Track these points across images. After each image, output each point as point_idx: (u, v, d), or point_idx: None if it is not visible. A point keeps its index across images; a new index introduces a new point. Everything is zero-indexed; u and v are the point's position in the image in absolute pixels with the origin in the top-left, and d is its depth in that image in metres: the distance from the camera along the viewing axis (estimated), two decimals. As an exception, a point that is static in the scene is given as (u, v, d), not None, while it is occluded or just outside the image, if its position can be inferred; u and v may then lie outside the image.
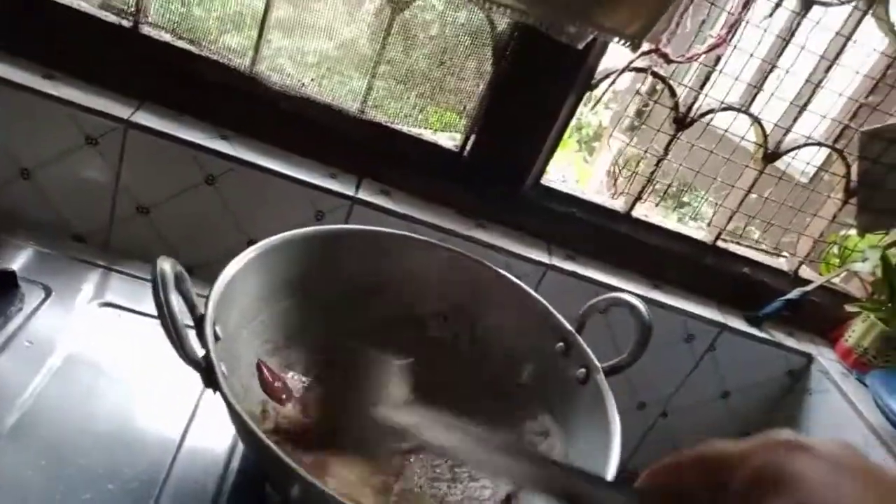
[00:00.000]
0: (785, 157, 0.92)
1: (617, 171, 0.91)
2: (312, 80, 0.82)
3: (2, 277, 0.65)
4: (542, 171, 0.90)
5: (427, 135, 0.87)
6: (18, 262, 0.72)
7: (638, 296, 0.87)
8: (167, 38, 0.80)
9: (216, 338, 0.51)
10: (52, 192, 0.80)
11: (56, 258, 0.75)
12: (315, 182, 0.81)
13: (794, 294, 0.93)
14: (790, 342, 0.95)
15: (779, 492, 0.28)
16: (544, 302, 0.69)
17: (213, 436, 0.62)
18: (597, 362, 0.64)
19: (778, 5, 0.83)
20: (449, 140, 0.88)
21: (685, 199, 1.02)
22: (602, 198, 0.94)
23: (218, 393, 0.49)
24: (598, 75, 0.85)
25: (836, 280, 0.98)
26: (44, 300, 0.67)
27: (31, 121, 0.75)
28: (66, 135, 0.76)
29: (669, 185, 0.96)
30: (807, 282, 0.96)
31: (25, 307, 0.65)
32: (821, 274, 1.00)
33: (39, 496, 0.50)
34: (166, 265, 0.48)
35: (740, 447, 0.31)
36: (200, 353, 0.49)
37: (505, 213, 0.89)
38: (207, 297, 0.52)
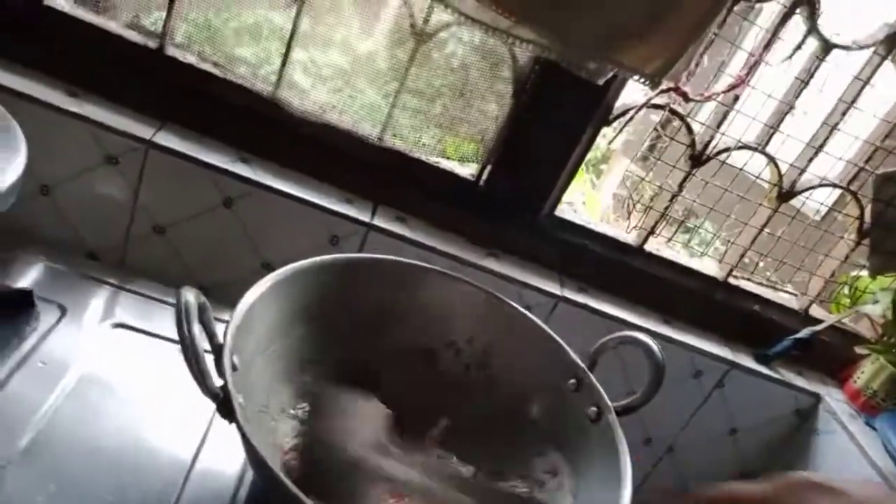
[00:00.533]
0: (799, 197, 0.93)
1: (631, 204, 0.92)
2: (333, 106, 0.83)
3: (19, 296, 0.65)
4: (556, 203, 0.90)
5: (444, 163, 0.88)
6: (31, 278, 0.72)
7: (648, 331, 0.88)
8: (192, 59, 0.80)
9: (234, 368, 0.51)
10: (70, 210, 0.80)
11: (70, 276, 0.75)
12: (331, 207, 0.81)
13: (804, 333, 0.93)
14: (799, 381, 0.94)
15: None
16: (557, 338, 0.69)
17: (222, 461, 0.62)
18: (609, 402, 0.63)
19: (798, 48, 0.84)
20: (465, 169, 0.89)
21: (689, 225, 1.02)
22: (615, 231, 0.94)
23: (233, 424, 0.49)
24: (616, 109, 0.85)
25: (846, 320, 0.98)
26: (59, 320, 0.68)
27: (53, 138, 0.76)
28: (86, 153, 0.77)
29: (683, 222, 0.96)
30: (817, 321, 0.96)
31: (40, 326, 0.65)
32: (831, 314, 1.00)
33: (50, 523, 0.50)
34: (190, 296, 0.48)
35: (762, 489, 0.31)
36: (218, 382, 0.49)
37: (518, 244, 0.90)
38: (226, 327, 0.52)
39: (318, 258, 0.65)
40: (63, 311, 0.69)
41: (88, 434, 0.59)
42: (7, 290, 0.66)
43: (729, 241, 0.96)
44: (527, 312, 0.71)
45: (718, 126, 0.87)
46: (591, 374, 0.67)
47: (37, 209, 0.79)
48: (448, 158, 0.88)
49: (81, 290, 0.74)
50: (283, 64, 0.80)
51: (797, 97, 0.87)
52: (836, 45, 0.84)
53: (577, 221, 0.91)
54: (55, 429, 0.58)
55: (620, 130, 0.86)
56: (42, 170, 0.78)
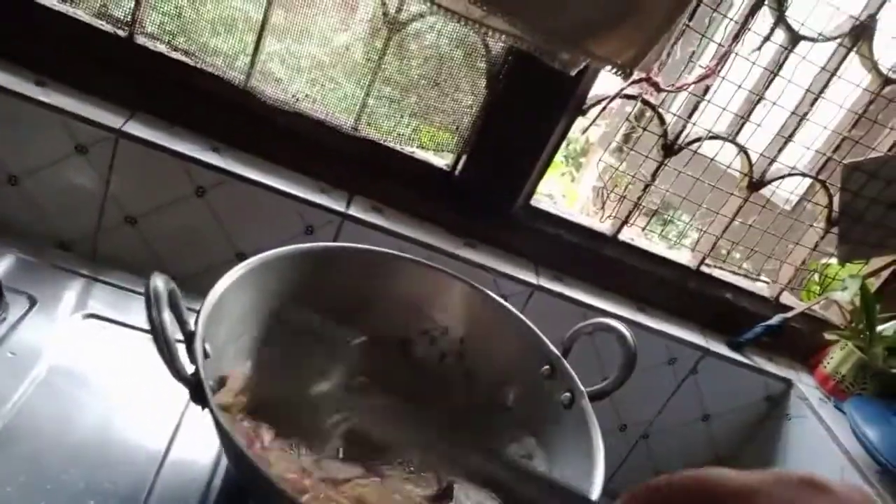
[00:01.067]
0: (769, 186, 0.94)
1: (605, 194, 0.93)
2: (307, 95, 0.83)
3: (-13, 287, 0.64)
4: (531, 192, 0.91)
5: (419, 153, 0.88)
6: (1, 269, 0.71)
7: (623, 318, 0.89)
8: (162, 48, 0.80)
9: (206, 355, 0.51)
10: (40, 200, 0.79)
11: (40, 266, 0.74)
12: (306, 197, 0.81)
13: (775, 320, 0.95)
14: (770, 367, 0.96)
15: None
16: (531, 325, 0.70)
17: (196, 450, 0.62)
18: (582, 387, 0.64)
19: (766, 39, 0.85)
20: (440, 159, 0.89)
21: (666, 216, 1.03)
22: (590, 220, 0.95)
23: (206, 409, 0.49)
24: (589, 100, 0.86)
25: (816, 307, 1.00)
26: (28, 310, 0.67)
27: (21, 127, 0.74)
28: (56, 142, 0.76)
29: (656, 212, 0.97)
30: (788, 308, 0.98)
31: (10, 317, 0.65)
32: (802, 301, 1.01)
33: (19, 513, 0.50)
34: (160, 282, 0.48)
35: (747, 479, 0.30)
36: (190, 369, 0.49)
37: (494, 233, 0.90)
38: (198, 314, 0.52)
39: (291, 247, 0.65)
40: (33, 301, 0.68)
41: (60, 424, 0.58)
42: (-27, 281, 0.65)
43: (701, 229, 0.98)
44: (503, 301, 0.72)
45: (690, 116, 0.89)
46: (564, 361, 0.67)
47: (6, 199, 0.78)
48: (423, 148, 0.88)
49: (52, 281, 0.73)
50: (255, 53, 0.79)
51: (767, 88, 0.88)
52: (803, 37, 0.85)
53: (552, 211, 0.92)
54: (25, 419, 0.57)
55: (594, 120, 0.87)
56: (10, 160, 0.76)
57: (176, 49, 0.80)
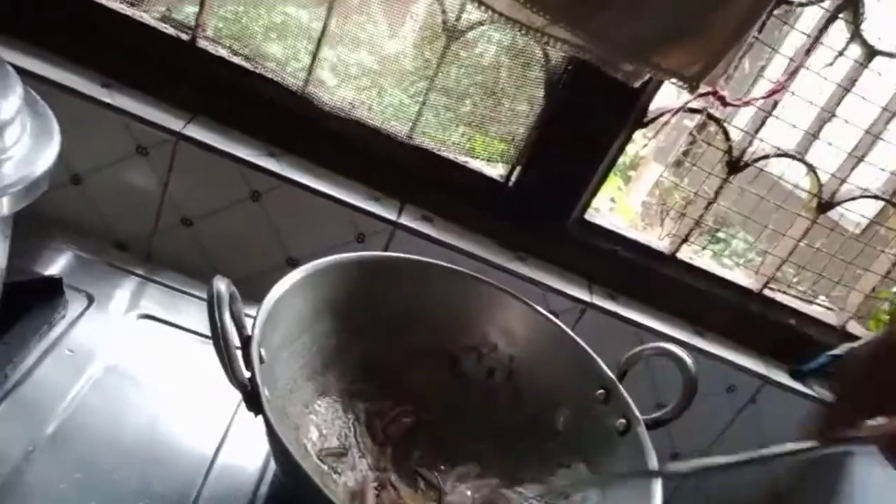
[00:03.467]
0: (838, 208, 0.90)
1: (665, 211, 0.90)
2: (362, 102, 0.82)
3: (49, 284, 0.65)
4: (586, 206, 0.89)
5: (473, 163, 0.87)
6: (60, 266, 0.72)
7: (680, 342, 0.85)
8: (223, 53, 0.81)
9: (261, 360, 0.51)
10: (100, 199, 0.80)
11: (97, 265, 0.75)
12: (358, 204, 0.81)
13: (840, 350, 0.90)
14: (834, 399, 0.91)
15: None
16: (585, 346, 0.67)
17: (245, 456, 0.62)
18: (638, 414, 0.61)
19: (840, 54, 0.81)
20: (494, 170, 0.88)
21: (724, 235, 0.99)
22: (647, 237, 0.92)
23: (259, 416, 0.48)
24: (651, 113, 0.83)
25: (885, 337, 0.94)
26: (86, 308, 0.68)
27: (85, 128, 0.76)
28: (118, 143, 0.77)
29: (717, 231, 0.94)
30: (855, 338, 0.93)
31: (69, 314, 0.66)
32: (869, 330, 0.96)
33: (71, 511, 0.50)
34: (222, 285, 0.48)
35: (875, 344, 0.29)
36: (246, 374, 0.48)
37: (547, 247, 0.88)
38: (255, 319, 0.52)
39: (345, 255, 0.64)
40: (91, 299, 0.69)
41: (113, 424, 0.59)
42: (37, 277, 0.66)
43: (765, 251, 0.94)
44: (556, 320, 0.70)
45: (756, 132, 0.85)
46: (620, 386, 0.65)
47: (67, 198, 0.80)
48: (477, 158, 0.86)
49: (109, 280, 0.74)
50: (314, 59, 0.80)
51: (838, 104, 0.84)
52: (879, 52, 0.81)
53: (608, 226, 0.90)
54: (81, 417, 0.58)
55: (656, 134, 0.84)
56: (74, 159, 0.78)
57: (236, 54, 0.81)
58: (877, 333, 0.32)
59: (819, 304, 0.96)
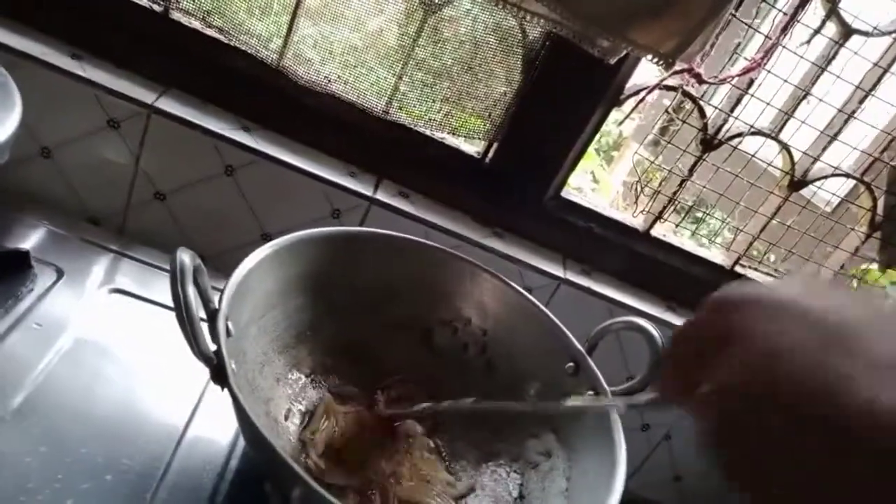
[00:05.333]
0: (811, 186, 0.91)
1: (639, 188, 0.90)
2: (339, 76, 0.82)
3: (16, 257, 0.64)
4: (562, 184, 0.89)
5: (449, 139, 0.86)
6: (31, 241, 0.72)
7: (651, 317, 0.87)
8: (197, 25, 0.79)
9: (228, 334, 0.51)
10: (71, 173, 0.79)
11: (69, 240, 0.74)
12: (334, 180, 0.80)
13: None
14: (802, 374, 0.93)
15: (721, 349, 0.31)
16: (556, 320, 0.68)
17: (214, 430, 0.62)
18: (606, 386, 0.62)
19: (816, 32, 0.81)
20: (471, 146, 0.87)
21: (698, 214, 1.00)
22: (622, 215, 0.93)
23: (226, 389, 0.48)
24: (627, 90, 0.83)
25: (853, 314, 0.96)
26: (55, 282, 0.67)
27: (55, 100, 0.75)
28: (89, 116, 0.76)
29: (692, 207, 0.94)
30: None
31: (37, 288, 0.65)
32: (839, 306, 0.98)
33: (38, 483, 0.50)
34: (185, 257, 0.47)
35: (697, 317, 0.35)
36: (212, 347, 0.48)
37: (522, 223, 0.88)
38: (222, 292, 0.52)
39: (318, 229, 0.64)
40: (60, 273, 0.68)
41: (81, 397, 0.59)
42: (2, 250, 0.65)
43: (737, 228, 0.95)
44: (528, 295, 0.70)
45: (731, 110, 0.85)
46: (589, 359, 0.66)
47: (38, 171, 0.79)
48: (454, 134, 0.86)
49: (81, 255, 0.73)
50: (289, 32, 0.79)
51: (814, 83, 0.85)
52: (856, 31, 0.81)
53: (583, 204, 0.90)
54: (48, 390, 0.58)
55: (631, 111, 0.84)
56: (44, 132, 0.77)
57: (210, 26, 0.79)
58: (694, 316, 0.35)
59: (790, 282, 0.98)
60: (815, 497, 0.26)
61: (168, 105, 0.77)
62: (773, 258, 0.99)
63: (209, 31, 0.79)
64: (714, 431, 0.30)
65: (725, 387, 0.30)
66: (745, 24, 0.80)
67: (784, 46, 0.81)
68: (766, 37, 0.81)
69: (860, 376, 0.25)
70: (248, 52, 0.80)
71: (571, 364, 0.66)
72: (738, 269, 0.95)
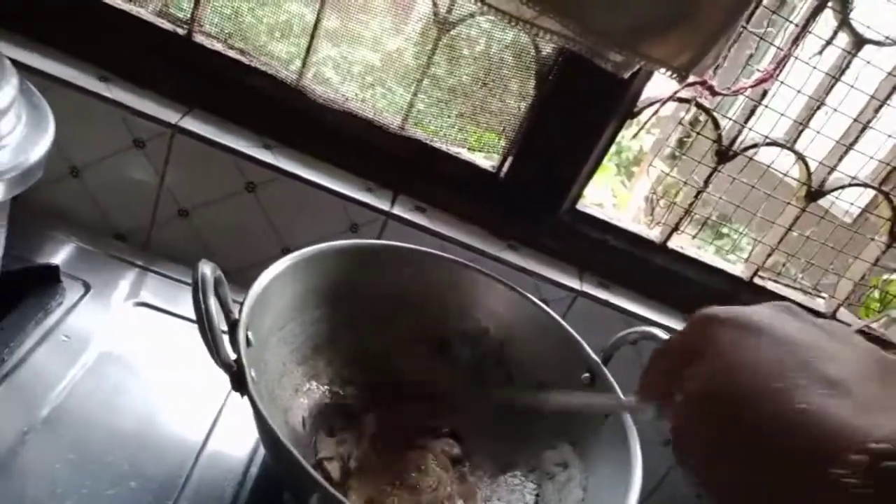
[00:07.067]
0: (828, 196, 0.90)
1: (655, 200, 0.90)
2: (356, 94, 0.84)
3: (46, 272, 0.67)
4: (578, 196, 0.89)
5: (465, 154, 0.88)
6: (60, 256, 0.74)
7: (669, 329, 0.86)
8: (219, 47, 0.82)
9: (248, 343, 0.52)
10: (98, 191, 0.82)
11: (97, 255, 0.77)
12: (352, 195, 0.82)
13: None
14: (825, 386, 0.92)
15: (694, 361, 0.33)
16: (572, 331, 0.68)
17: (234, 441, 0.63)
18: (622, 396, 0.62)
19: (829, 43, 0.82)
20: (486, 160, 0.89)
21: (723, 230, 1.00)
22: (638, 227, 0.93)
23: (245, 397, 0.49)
24: (640, 103, 0.84)
25: (875, 325, 0.95)
26: (83, 296, 0.69)
27: (83, 121, 0.78)
28: (115, 136, 0.78)
29: (708, 218, 0.94)
30: (846, 325, 0.93)
31: (66, 301, 0.67)
32: (860, 318, 0.97)
33: (67, 488, 0.51)
34: (207, 269, 0.49)
35: (679, 332, 0.37)
36: (232, 356, 0.50)
37: (538, 237, 0.89)
38: (242, 303, 0.53)
39: (335, 242, 0.66)
40: (88, 287, 0.70)
41: (106, 408, 0.60)
42: (34, 265, 0.68)
43: (755, 240, 0.94)
44: (544, 306, 0.71)
45: (746, 121, 0.86)
46: (604, 369, 0.66)
47: (67, 191, 0.81)
48: (469, 149, 0.88)
49: (107, 270, 0.76)
50: (307, 53, 0.81)
51: (828, 93, 0.85)
52: (868, 41, 0.81)
53: (599, 216, 0.91)
54: (75, 401, 0.59)
55: (644, 124, 0.85)
56: (72, 152, 0.80)
57: (232, 48, 0.82)
58: (681, 330, 0.37)
59: (809, 292, 0.97)
60: (768, 501, 0.29)
61: (191, 124, 0.79)
62: (792, 270, 0.99)
63: (231, 53, 0.82)
64: (680, 437, 0.33)
65: (693, 396, 0.33)
66: (757, 35, 0.80)
67: (797, 57, 0.82)
68: (779, 48, 0.82)
69: (806, 388, 0.28)
70: (269, 72, 0.82)
71: (587, 375, 0.66)
72: (756, 280, 0.94)
